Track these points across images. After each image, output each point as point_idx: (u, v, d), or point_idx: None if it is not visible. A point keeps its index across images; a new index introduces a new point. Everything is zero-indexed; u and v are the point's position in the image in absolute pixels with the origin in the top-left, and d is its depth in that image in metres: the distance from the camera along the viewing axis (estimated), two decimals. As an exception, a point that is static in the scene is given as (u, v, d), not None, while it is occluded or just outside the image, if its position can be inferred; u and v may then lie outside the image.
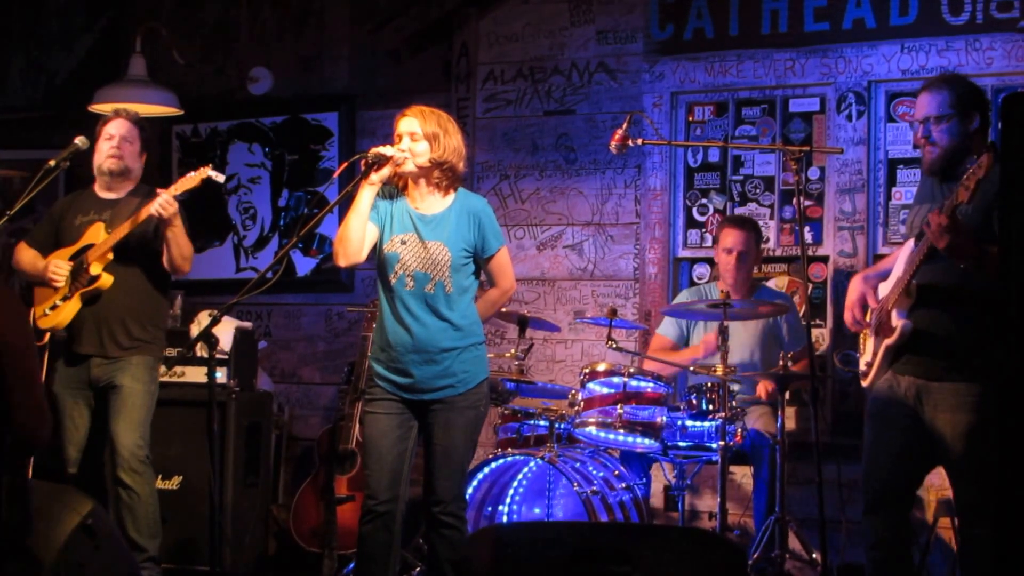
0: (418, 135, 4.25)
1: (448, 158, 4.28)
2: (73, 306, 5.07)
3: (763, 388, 5.51)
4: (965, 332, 4.07)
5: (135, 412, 5.03)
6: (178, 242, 5.04)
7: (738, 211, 6.19)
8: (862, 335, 4.49)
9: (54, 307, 5.09)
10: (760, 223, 5.97)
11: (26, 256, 5.24)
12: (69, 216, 5.23)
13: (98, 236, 5.09)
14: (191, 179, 4.99)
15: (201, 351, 5.63)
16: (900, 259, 4.31)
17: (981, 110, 4.19)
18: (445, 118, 4.32)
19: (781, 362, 5.23)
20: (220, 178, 5.07)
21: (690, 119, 6.33)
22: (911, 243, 4.25)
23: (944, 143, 4.17)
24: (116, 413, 5.03)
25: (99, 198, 5.24)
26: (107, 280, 5.05)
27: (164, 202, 4.90)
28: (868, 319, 4.39)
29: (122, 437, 4.99)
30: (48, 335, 5.13)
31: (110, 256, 5.05)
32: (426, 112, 4.30)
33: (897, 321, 4.17)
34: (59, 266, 5.09)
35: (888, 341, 4.21)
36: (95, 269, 5.04)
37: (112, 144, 5.18)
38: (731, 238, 5.65)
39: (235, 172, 7.18)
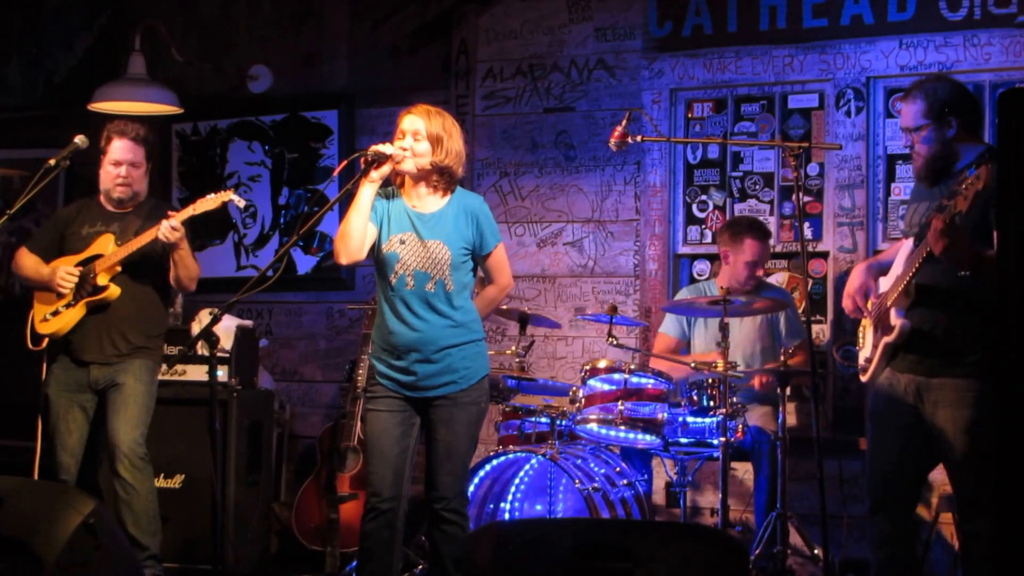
0: (421, 135, 4.24)
1: (448, 163, 4.28)
2: (76, 313, 5.07)
3: (757, 379, 5.52)
4: (963, 331, 4.09)
5: (135, 409, 5.04)
6: (184, 264, 5.06)
7: (738, 207, 6.20)
8: (861, 329, 4.51)
9: (55, 313, 5.09)
10: (759, 219, 5.98)
11: (28, 262, 5.24)
12: (75, 226, 5.23)
13: (107, 247, 5.09)
14: (211, 200, 4.97)
15: (202, 349, 5.64)
16: (900, 256, 4.33)
17: (958, 113, 4.19)
18: (450, 121, 4.31)
19: (781, 357, 5.25)
20: (241, 203, 5.05)
21: (689, 116, 6.33)
22: (911, 241, 4.27)
23: (924, 152, 4.23)
24: (116, 410, 5.03)
25: (106, 210, 5.25)
26: (114, 291, 5.05)
27: (168, 230, 4.90)
28: (869, 307, 4.40)
29: (121, 433, 5.00)
30: (46, 340, 5.13)
31: (118, 268, 5.06)
32: (432, 112, 4.29)
33: (896, 320, 4.18)
34: (68, 272, 5.08)
35: (887, 339, 4.22)
36: (103, 280, 5.04)
37: (119, 172, 5.18)
38: (756, 250, 5.61)
39: (235, 170, 7.18)
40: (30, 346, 5.15)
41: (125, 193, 5.21)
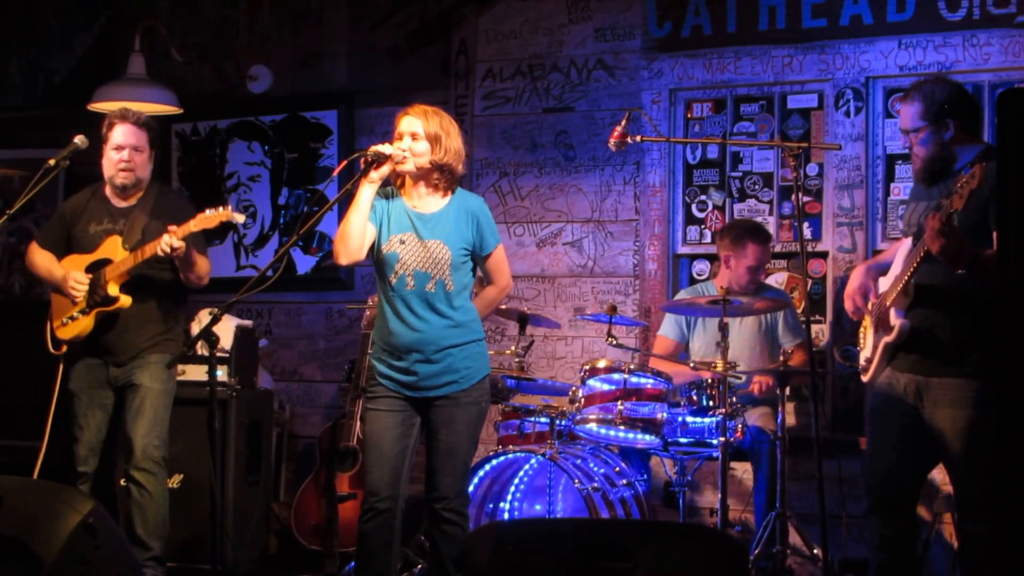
0: (419, 135, 4.25)
1: (448, 161, 4.28)
2: (90, 320, 5.04)
3: (757, 386, 5.52)
4: (962, 331, 4.09)
5: (151, 412, 5.05)
6: (189, 267, 5.04)
7: (737, 207, 6.20)
8: (861, 329, 4.51)
9: (72, 318, 5.08)
10: (759, 219, 5.98)
11: (41, 259, 5.22)
12: (82, 222, 5.18)
13: (115, 251, 5.05)
14: (211, 219, 4.89)
15: (202, 349, 5.63)
16: (899, 256, 4.33)
17: (956, 115, 4.19)
18: (447, 120, 4.32)
19: (781, 358, 5.25)
20: (240, 219, 5.03)
21: (689, 116, 6.33)
22: (909, 240, 4.27)
23: (921, 154, 4.24)
24: (133, 412, 5.05)
25: (112, 205, 5.19)
26: (126, 301, 5.02)
27: (167, 245, 4.84)
28: (869, 308, 4.41)
29: (137, 437, 5.01)
30: (65, 347, 5.13)
31: (127, 276, 5.04)
32: (428, 112, 4.30)
33: (895, 320, 4.19)
34: (79, 280, 5.06)
35: (887, 339, 4.23)
36: (113, 290, 5.01)
37: (122, 157, 5.12)
38: (758, 254, 5.63)
39: (235, 170, 7.18)
40: (52, 350, 5.15)
41: (128, 179, 5.15)
